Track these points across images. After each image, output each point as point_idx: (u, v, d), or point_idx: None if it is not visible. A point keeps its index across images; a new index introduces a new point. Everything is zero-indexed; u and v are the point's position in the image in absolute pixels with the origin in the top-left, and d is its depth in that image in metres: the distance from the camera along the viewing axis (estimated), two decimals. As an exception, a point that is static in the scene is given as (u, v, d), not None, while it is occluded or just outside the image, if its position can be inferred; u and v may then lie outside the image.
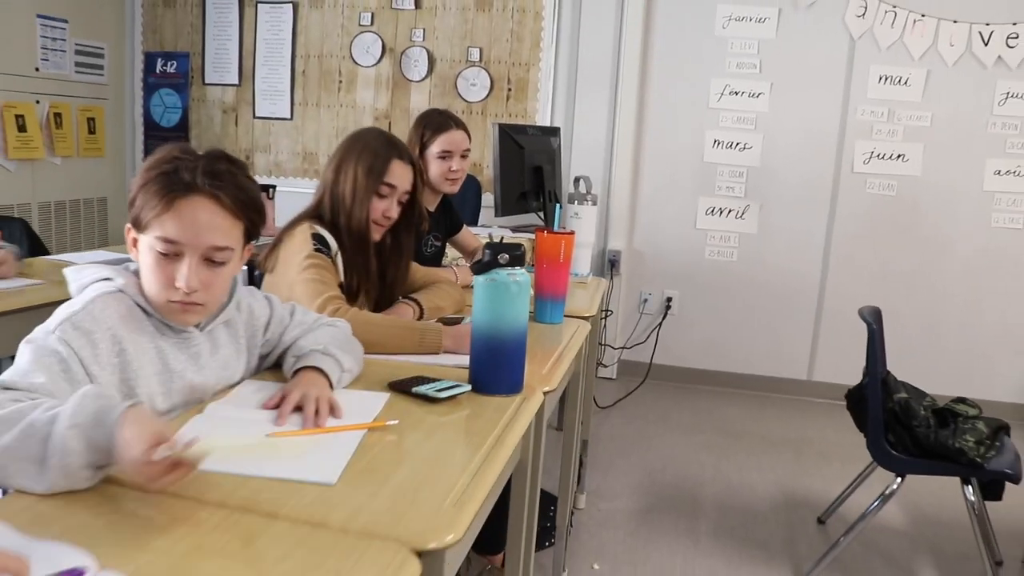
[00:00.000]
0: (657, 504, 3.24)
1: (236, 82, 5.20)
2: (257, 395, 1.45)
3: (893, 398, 2.59)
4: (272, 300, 1.60)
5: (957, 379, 4.40)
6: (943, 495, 3.36)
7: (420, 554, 0.98)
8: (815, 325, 4.68)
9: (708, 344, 4.79)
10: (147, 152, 5.44)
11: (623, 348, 4.81)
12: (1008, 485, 2.81)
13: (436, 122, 2.69)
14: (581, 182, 2.92)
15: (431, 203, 2.74)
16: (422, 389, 1.49)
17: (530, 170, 3.43)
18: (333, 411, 1.37)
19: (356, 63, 4.96)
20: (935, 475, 2.58)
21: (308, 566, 0.93)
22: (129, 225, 1.35)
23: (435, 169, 2.66)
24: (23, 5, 4.66)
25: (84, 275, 1.37)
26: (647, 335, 4.80)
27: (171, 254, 1.30)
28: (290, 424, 1.34)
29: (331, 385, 1.46)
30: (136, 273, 1.38)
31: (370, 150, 2.00)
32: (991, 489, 2.83)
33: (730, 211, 4.67)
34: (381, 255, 2.08)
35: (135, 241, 1.35)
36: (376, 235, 2.04)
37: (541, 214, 3.45)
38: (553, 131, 3.80)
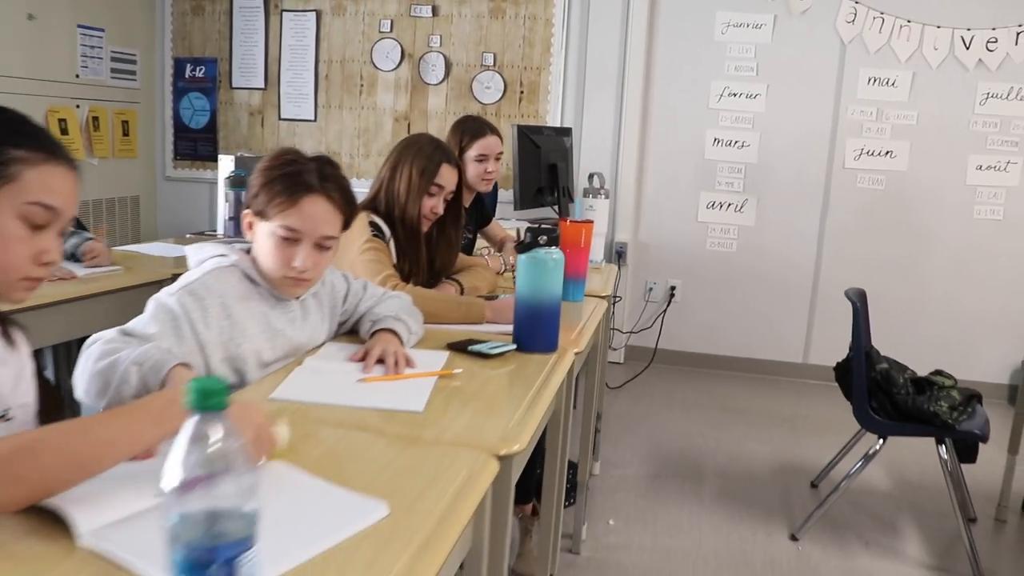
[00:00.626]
0: (664, 471, 3.56)
1: (262, 86, 5.51)
2: (342, 352, 1.76)
3: (876, 368, 2.91)
4: (348, 277, 1.91)
5: (939, 359, 4.69)
6: (925, 462, 3.67)
7: (497, 458, 1.30)
8: (810, 311, 4.99)
9: (710, 330, 5.10)
10: (176, 152, 5.76)
11: (631, 333, 5.13)
12: (983, 452, 3.13)
13: (474, 128, 2.99)
14: (595, 178, 3.23)
15: (466, 200, 3.05)
16: (477, 347, 1.80)
17: (546, 168, 3.74)
18: (408, 363, 1.69)
19: (376, 67, 5.27)
20: (912, 436, 2.90)
21: (416, 466, 1.24)
22: (249, 211, 1.66)
23: (472, 170, 2.96)
24: (65, 16, 4.97)
25: (204, 251, 1.68)
26: (652, 321, 5.11)
27: (291, 239, 1.61)
28: (374, 373, 1.65)
29: (402, 344, 1.78)
30: (246, 251, 1.69)
31: (423, 154, 2.31)
32: (966, 453, 3.15)
33: (729, 205, 4.98)
34: (429, 245, 2.40)
35: (251, 224, 1.66)
36: (424, 227, 2.36)
37: (555, 208, 3.76)
38: (566, 131, 4.11)
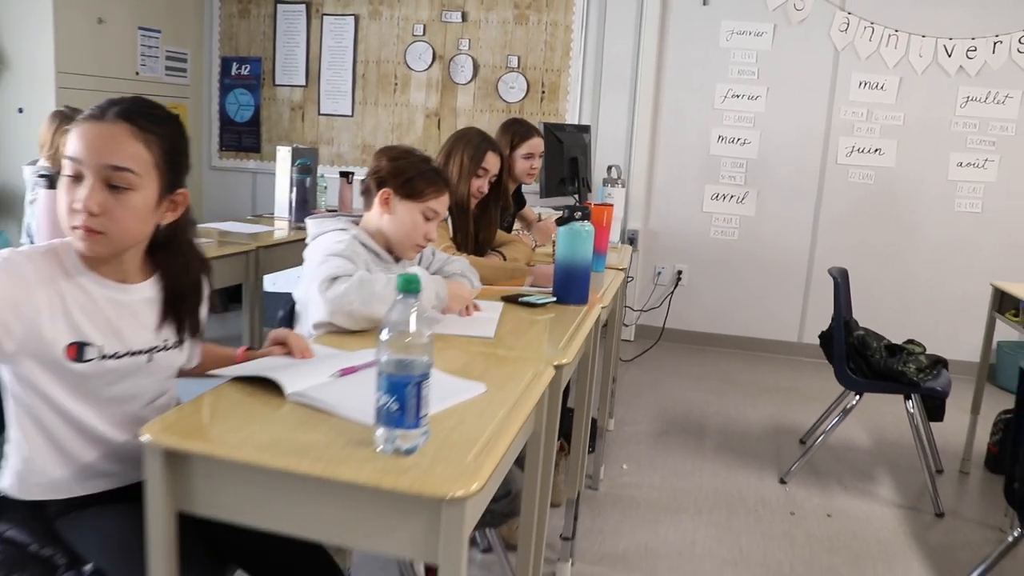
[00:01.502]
0: (670, 428, 4.04)
1: (303, 83, 5.99)
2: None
3: (853, 335, 3.39)
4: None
5: (919, 336, 5.15)
6: (902, 425, 4.14)
7: (553, 367, 1.78)
8: (804, 294, 5.46)
9: (713, 311, 5.57)
10: (222, 144, 6.25)
11: (641, 311, 5.60)
12: (951, 414, 3.61)
13: (523, 130, 3.45)
14: (612, 170, 3.71)
15: (511, 190, 3.54)
16: (526, 299, 2.29)
17: (568, 161, 4.22)
18: (476, 307, 2.17)
19: (410, 68, 5.75)
20: (883, 393, 3.38)
21: (496, 369, 1.72)
22: (389, 190, 2.09)
23: (520, 166, 3.43)
24: (127, 19, 5.46)
25: (325, 224, 2.15)
26: (661, 302, 5.59)
27: (430, 219, 2.09)
28: (454, 316, 2.13)
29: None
30: (355, 223, 2.15)
31: (472, 144, 2.79)
32: (934, 411, 3.64)
33: (732, 197, 5.45)
34: (475, 220, 2.88)
35: (388, 200, 2.10)
36: (471, 205, 2.84)
37: (576, 196, 4.24)
38: (585, 128, 4.58)
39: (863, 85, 5.20)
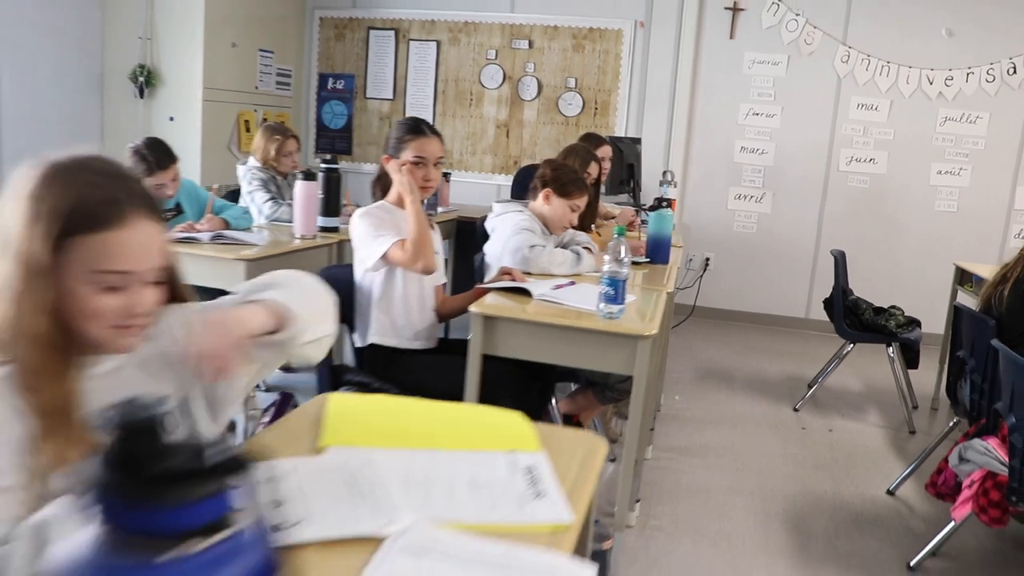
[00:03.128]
0: (706, 376, 5.19)
1: (391, 97, 7.13)
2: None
3: (848, 299, 4.53)
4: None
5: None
6: (889, 378, 5.26)
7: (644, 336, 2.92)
8: (811, 278, 6.60)
9: (735, 292, 6.71)
10: (317, 147, 7.39)
11: (676, 291, 6.73)
12: (924, 366, 4.72)
13: (597, 140, 4.59)
14: (667, 173, 4.84)
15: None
16: (635, 259, 3.43)
17: (626, 166, 5.37)
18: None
19: (483, 86, 6.89)
20: (870, 343, 4.51)
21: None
22: (550, 189, 3.24)
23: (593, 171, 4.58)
24: (251, 43, 6.59)
25: (508, 207, 3.27)
26: (692, 284, 6.73)
27: (574, 211, 3.22)
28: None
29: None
30: (525, 206, 3.29)
31: (581, 156, 3.93)
32: (911, 360, 4.75)
33: (751, 197, 6.59)
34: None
35: (549, 196, 3.24)
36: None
37: (631, 194, 5.39)
38: (637, 140, 5.74)
39: (860, 106, 6.34)
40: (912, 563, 2.92)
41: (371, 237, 2.57)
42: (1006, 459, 2.45)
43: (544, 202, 3.25)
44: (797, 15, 6.32)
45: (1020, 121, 6.17)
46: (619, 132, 6.63)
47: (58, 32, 5.77)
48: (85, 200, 1.14)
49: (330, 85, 7.31)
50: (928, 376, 5.05)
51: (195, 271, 2.67)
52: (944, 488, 2.81)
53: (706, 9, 6.46)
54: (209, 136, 6.19)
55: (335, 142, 7.36)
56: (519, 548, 1.06)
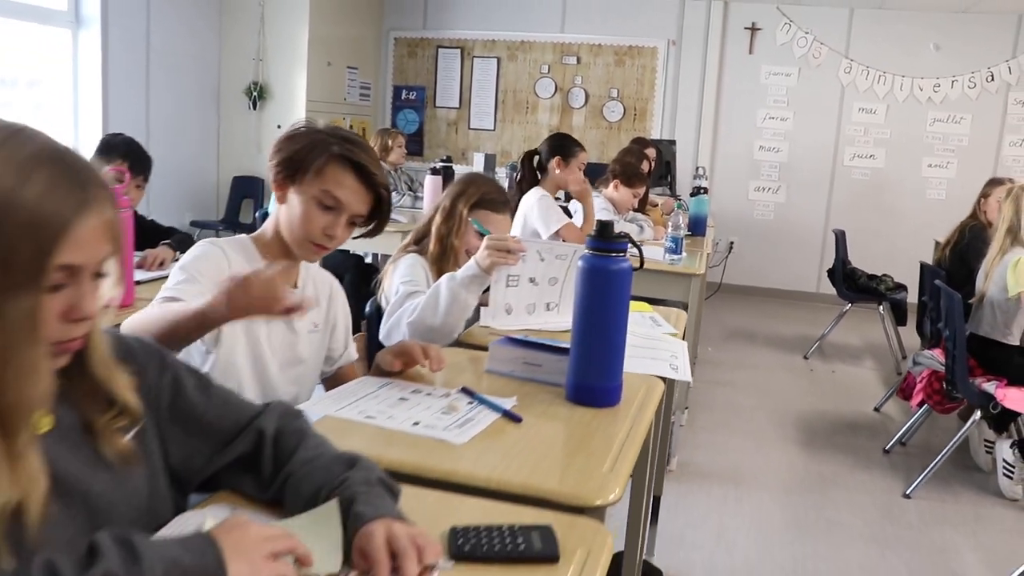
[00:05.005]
0: (731, 336, 6.33)
1: (457, 106, 8.30)
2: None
3: (847, 267, 5.66)
4: None
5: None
6: (881, 338, 6.39)
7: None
8: (820, 258, 7.71)
9: (756, 270, 7.83)
10: (392, 150, 8.55)
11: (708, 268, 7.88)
12: (909, 330, 5.83)
13: (645, 144, 5.73)
14: (700, 168, 5.98)
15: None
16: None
17: (664, 163, 6.52)
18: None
19: (538, 96, 8.05)
20: (865, 303, 5.65)
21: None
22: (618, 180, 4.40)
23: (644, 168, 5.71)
24: (341, 61, 7.77)
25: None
26: (719, 264, 7.86)
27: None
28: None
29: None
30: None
31: (636, 156, 5.07)
32: (900, 318, 5.87)
33: (769, 189, 7.72)
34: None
35: (618, 186, 4.40)
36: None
37: (669, 186, 6.53)
38: (673, 142, 6.88)
39: (861, 110, 7.45)
40: (887, 447, 4.07)
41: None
42: (944, 361, 3.59)
43: (614, 190, 4.40)
44: (806, 33, 7.44)
45: (998, 121, 7.26)
46: (655, 135, 7.76)
47: (184, 55, 6.96)
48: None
49: (403, 96, 8.49)
50: (914, 334, 6.16)
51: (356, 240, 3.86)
52: (907, 390, 3.94)
53: (728, 29, 7.59)
54: (312, 141, 7.37)
55: (409, 145, 8.51)
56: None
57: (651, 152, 5.75)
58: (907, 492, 3.56)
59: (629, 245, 1.61)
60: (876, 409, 4.73)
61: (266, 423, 1.16)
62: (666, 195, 6.56)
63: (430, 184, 4.77)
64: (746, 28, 7.56)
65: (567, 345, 1.65)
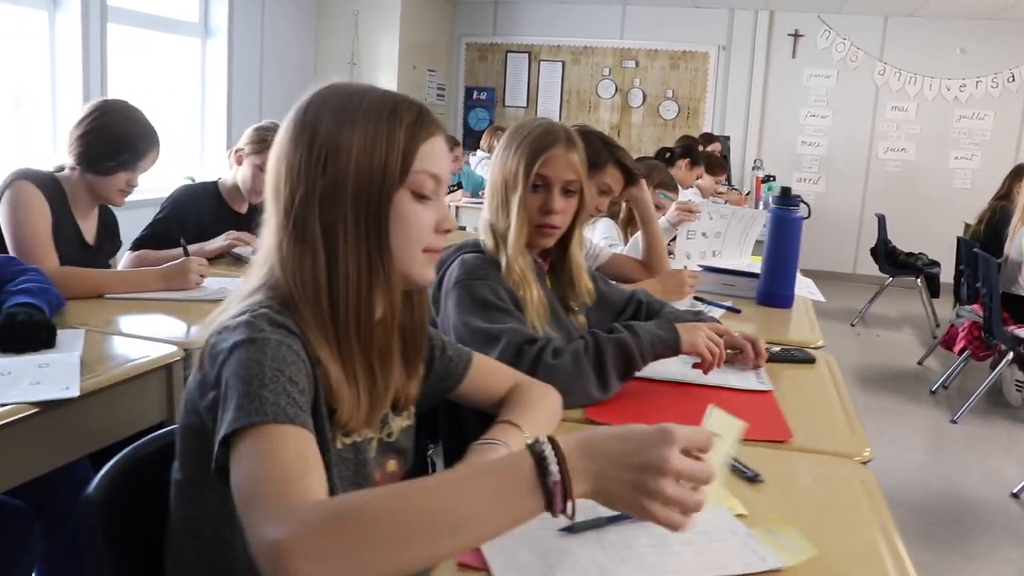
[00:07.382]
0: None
1: (524, 105, 9.15)
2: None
3: (887, 246, 6.50)
4: None
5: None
6: (919, 312, 7.21)
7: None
8: (857, 242, 8.54)
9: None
10: (464, 145, 9.42)
11: (749, 254, 8.73)
12: (943, 302, 6.66)
13: (710, 139, 6.57)
14: (757, 161, 6.83)
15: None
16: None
17: (722, 156, 7.37)
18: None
19: (600, 96, 8.89)
20: (904, 276, 6.48)
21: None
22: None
23: None
24: (423, 66, 8.63)
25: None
26: (763, 246, 8.69)
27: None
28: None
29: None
30: None
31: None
32: (934, 291, 6.71)
33: (810, 179, 8.55)
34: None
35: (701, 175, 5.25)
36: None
37: (727, 175, 7.37)
38: (727, 137, 7.72)
39: (893, 108, 8.28)
40: (932, 389, 4.92)
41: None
42: (982, 314, 4.44)
43: (698, 178, 5.25)
44: (844, 39, 8.27)
45: (1018, 117, 8.09)
46: (707, 130, 8.59)
47: (288, 61, 7.81)
48: None
49: (474, 96, 9.34)
50: (946, 307, 7.01)
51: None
52: (950, 340, 4.78)
53: (774, 36, 8.43)
54: (402, 138, 8.24)
55: (479, 141, 9.39)
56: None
57: (715, 147, 6.59)
58: (954, 418, 4.41)
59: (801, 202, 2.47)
60: (919, 363, 5.57)
61: (640, 295, 2.04)
62: (724, 186, 7.40)
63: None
64: (789, 35, 8.40)
65: (752, 271, 2.51)
